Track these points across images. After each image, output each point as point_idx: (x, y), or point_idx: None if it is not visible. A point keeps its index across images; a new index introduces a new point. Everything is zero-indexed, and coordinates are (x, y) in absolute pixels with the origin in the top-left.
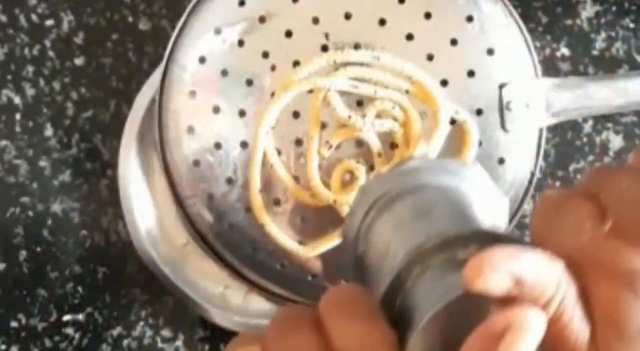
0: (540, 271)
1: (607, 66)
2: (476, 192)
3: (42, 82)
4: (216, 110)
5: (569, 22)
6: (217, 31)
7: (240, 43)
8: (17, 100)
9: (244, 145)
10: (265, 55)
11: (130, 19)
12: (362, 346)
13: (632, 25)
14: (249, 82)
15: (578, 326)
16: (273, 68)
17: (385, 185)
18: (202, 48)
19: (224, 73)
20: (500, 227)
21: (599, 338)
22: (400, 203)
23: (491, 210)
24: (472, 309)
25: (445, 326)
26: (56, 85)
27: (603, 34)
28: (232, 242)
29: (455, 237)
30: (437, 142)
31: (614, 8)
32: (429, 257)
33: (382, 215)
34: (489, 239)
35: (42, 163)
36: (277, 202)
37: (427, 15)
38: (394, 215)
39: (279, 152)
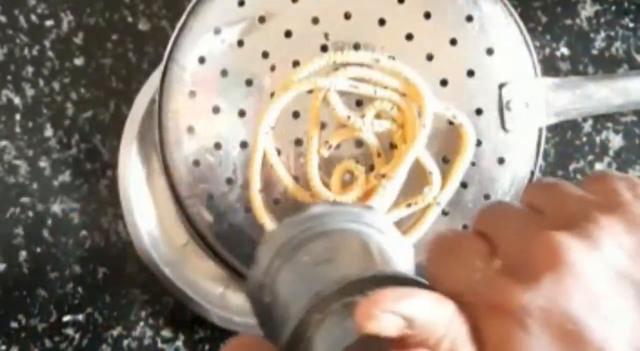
0: (430, 312)
1: (607, 66)
2: (379, 235)
3: (41, 82)
4: (216, 110)
5: (568, 21)
6: (217, 31)
7: (240, 43)
8: (16, 100)
9: (243, 145)
10: (265, 55)
11: (130, 19)
12: None
13: (631, 25)
14: (249, 82)
15: None
16: (273, 68)
17: (289, 233)
18: (201, 48)
19: (224, 73)
20: (406, 269)
21: None
22: (304, 251)
23: (395, 253)
24: None
25: None
26: (56, 86)
27: (602, 34)
28: (232, 242)
29: (354, 282)
30: (420, 142)
31: (613, 8)
32: (328, 304)
33: (286, 264)
34: (386, 282)
35: (42, 163)
36: (277, 202)
37: (427, 15)
38: (297, 264)
39: (279, 152)
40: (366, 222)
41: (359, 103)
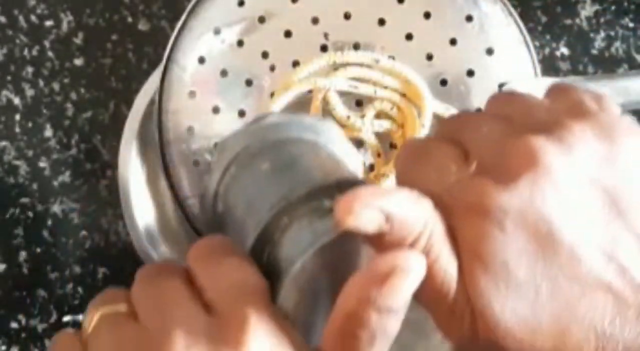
0: (408, 208)
1: (607, 65)
2: (332, 144)
3: (41, 82)
4: (216, 110)
5: (568, 21)
6: (217, 31)
7: (240, 43)
8: (16, 101)
9: None
10: (265, 55)
11: (130, 20)
12: (235, 295)
13: (631, 25)
14: (249, 82)
15: (446, 263)
16: (272, 68)
17: (243, 141)
18: (201, 48)
19: (224, 73)
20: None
21: (465, 274)
22: (261, 159)
23: (348, 162)
24: (341, 258)
25: (317, 276)
26: (56, 86)
27: (602, 34)
28: None
29: (321, 186)
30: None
31: (613, 7)
32: (295, 208)
33: (242, 172)
34: (353, 187)
35: (42, 164)
36: None
37: (427, 15)
38: (255, 171)
39: None
40: (320, 132)
41: (359, 103)
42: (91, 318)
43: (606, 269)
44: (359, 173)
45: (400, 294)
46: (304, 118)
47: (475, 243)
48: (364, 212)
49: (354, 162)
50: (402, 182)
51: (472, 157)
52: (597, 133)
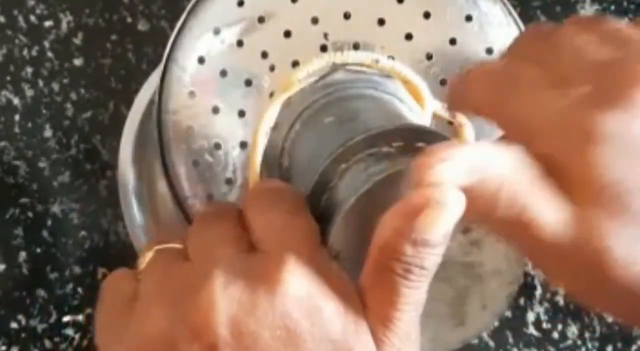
0: (489, 160)
1: None
2: (398, 101)
3: (41, 83)
4: (215, 110)
5: None
6: (216, 31)
7: (239, 43)
8: (16, 101)
9: (243, 145)
10: (264, 55)
11: (129, 20)
12: (282, 236)
13: None
14: (248, 83)
15: (543, 209)
16: (272, 68)
17: (310, 98)
18: (201, 48)
19: (223, 73)
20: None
21: (578, 213)
22: (325, 113)
23: (413, 118)
24: (394, 198)
25: (369, 216)
26: (55, 86)
27: None
28: None
29: (379, 133)
30: None
31: (612, 7)
32: (353, 154)
33: (307, 127)
34: (413, 133)
35: (42, 164)
36: None
37: (426, 15)
38: (319, 125)
39: None
40: (387, 90)
41: None
42: (146, 255)
43: None
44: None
45: (434, 227)
46: (370, 76)
47: (588, 175)
48: (444, 167)
49: (420, 120)
50: (488, 113)
51: (569, 80)
52: None
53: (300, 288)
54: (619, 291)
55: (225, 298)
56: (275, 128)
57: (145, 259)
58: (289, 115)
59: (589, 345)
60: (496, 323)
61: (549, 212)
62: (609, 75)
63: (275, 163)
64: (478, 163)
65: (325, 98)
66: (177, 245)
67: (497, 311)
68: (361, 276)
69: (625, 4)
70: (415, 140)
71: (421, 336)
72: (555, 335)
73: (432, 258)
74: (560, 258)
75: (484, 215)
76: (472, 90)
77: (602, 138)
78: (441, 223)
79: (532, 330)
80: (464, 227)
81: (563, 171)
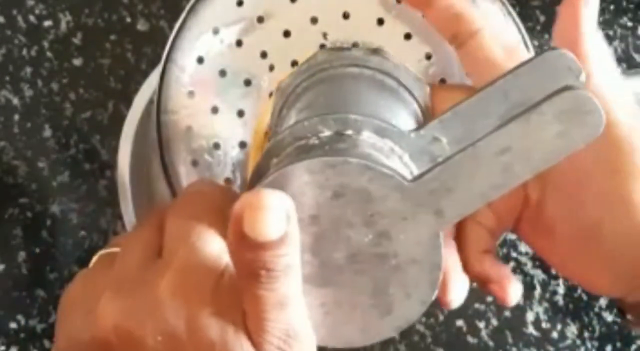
0: None
1: None
2: (382, 75)
3: (40, 83)
4: (214, 110)
5: None
6: (215, 31)
7: (239, 43)
8: (15, 101)
9: (242, 145)
10: (264, 55)
11: (128, 20)
12: (177, 243)
13: (629, 24)
14: (247, 82)
15: None
16: (271, 68)
17: (293, 82)
18: (200, 48)
19: (222, 73)
20: (415, 107)
21: None
22: (303, 99)
23: (400, 89)
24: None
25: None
26: (54, 86)
27: (601, 33)
28: None
29: (305, 124)
30: None
31: (611, 7)
32: (282, 148)
33: (290, 112)
34: (340, 122)
35: (41, 164)
36: None
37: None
38: (294, 112)
39: None
40: (370, 65)
41: None
42: (92, 259)
43: None
44: (422, 99)
45: (259, 227)
46: (354, 52)
47: None
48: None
49: (417, 88)
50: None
51: None
52: None
53: (177, 295)
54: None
55: (112, 305)
56: (272, 116)
57: (91, 262)
58: (276, 101)
59: (588, 345)
60: (495, 323)
61: None
62: None
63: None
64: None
65: (307, 81)
66: (113, 249)
67: (424, 299)
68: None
69: (624, 3)
70: (343, 129)
71: (350, 327)
72: (555, 334)
73: (278, 260)
74: None
75: None
76: None
77: None
78: (265, 222)
79: (531, 329)
80: (365, 219)
81: None
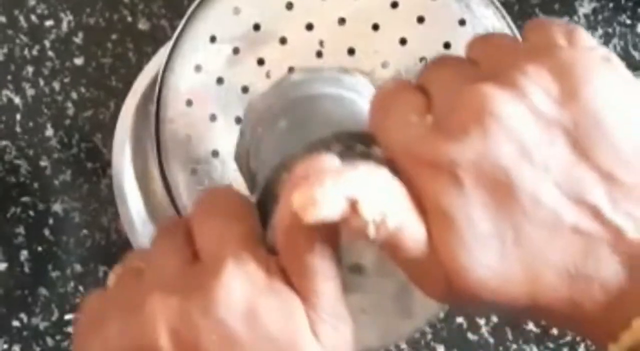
0: (369, 192)
1: None
2: (359, 96)
3: (42, 82)
4: (213, 118)
5: (566, 18)
6: (212, 39)
7: (236, 51)
8: (17, 100)
9: None
10: (261, 62)
11: (130, 19)
12: (218, 244)
13: (628, 22)
14: (245, 90)
15: (413, 227)
16: (268, 75)
17: (268, 101)
18: (197, 57)
19: (220, 81)
20: None
21: (433, 233)
22: (282, 118)
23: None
24: None
25: None
26: (56, 85)
27: (600, 31)
28: None
29: (318, 141)
30: None
31: (611, 5)
32: (294, 163)
33: (267, 131)
34: (351, 137)
35: (43, 163)
36: None
37: (420, 20)
38: (276, 130)
39: None
40: (345, 86)
41: None
42: (110, 276)
43: (572, 210)
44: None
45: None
46: (328, 73)
47: (436, 200)
48: (326, 202)
49: None
50: (371, 129)
51: (433, 108)
52: (555, 71)
53: (233, 294)
54: (470, 297)
55: (164, 310)
56: (241, 132)
57: (110, 280)
58: (250, 119)
59: (588, 341)
60: (495, 319)
61: (413, 233)
62: (451, 104)
63: (244, 164)
64: (352, 189)
65: (281, 100)
66: (136, 264)
67: None
68: (281, 262)
69: (623, 1)
70: (354, 144)
71: (370, 334)
72: (555, 331)
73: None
74: (422, 271)
75: (359, 235)
76: (370, 109)
77: (444, 167)
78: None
79: (531, 326)
80: None
81: (420, 195)
